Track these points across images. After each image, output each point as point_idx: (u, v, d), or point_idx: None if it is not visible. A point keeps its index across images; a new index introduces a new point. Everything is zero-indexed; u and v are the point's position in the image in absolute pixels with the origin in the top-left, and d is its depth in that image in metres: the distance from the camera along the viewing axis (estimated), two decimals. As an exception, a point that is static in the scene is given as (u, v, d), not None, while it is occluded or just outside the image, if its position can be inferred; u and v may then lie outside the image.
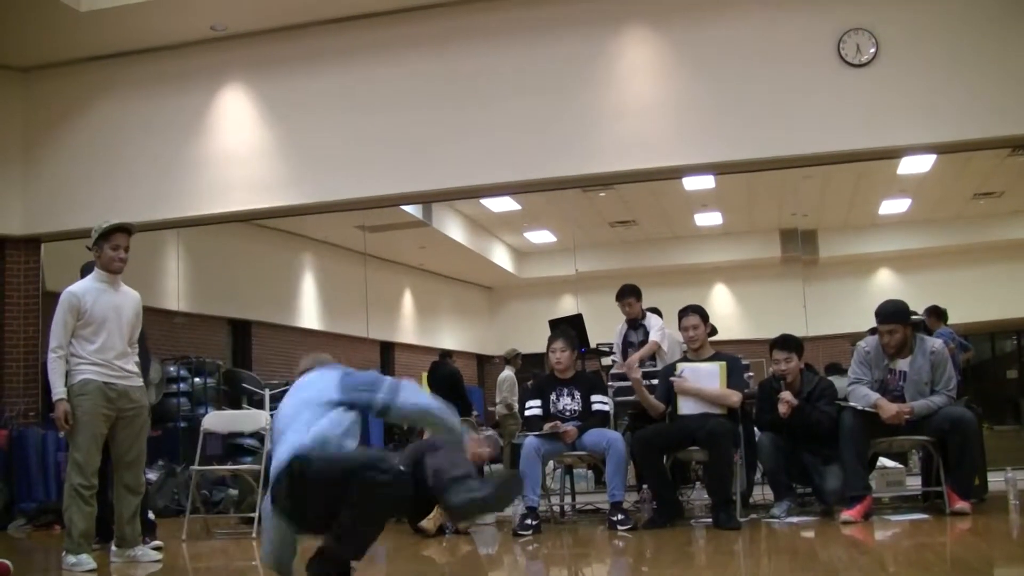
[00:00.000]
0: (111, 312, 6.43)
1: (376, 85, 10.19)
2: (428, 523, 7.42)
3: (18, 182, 11.00)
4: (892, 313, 7.13)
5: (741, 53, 9.35)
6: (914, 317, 7.53)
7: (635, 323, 9.13)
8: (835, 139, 9.09)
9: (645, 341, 8.96)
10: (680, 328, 7.84)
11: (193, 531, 8.04)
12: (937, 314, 10.41)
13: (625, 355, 9.07)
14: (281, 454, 4.40)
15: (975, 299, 12.32)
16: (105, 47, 10.68)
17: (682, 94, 9.54)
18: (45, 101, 11.09)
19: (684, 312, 7.83)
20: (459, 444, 4.62)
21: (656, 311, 9.40)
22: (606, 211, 13.46)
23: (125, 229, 6.59)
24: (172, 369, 11.67)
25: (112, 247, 6.49)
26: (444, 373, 12.54)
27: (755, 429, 7.79)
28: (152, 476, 9.40)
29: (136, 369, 6.59)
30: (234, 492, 9.73)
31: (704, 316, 7.80)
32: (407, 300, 16.25)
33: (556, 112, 9.69)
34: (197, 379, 12.06)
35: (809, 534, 6.70)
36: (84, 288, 6.43)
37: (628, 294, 9.09)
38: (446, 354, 13.14)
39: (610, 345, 9.66)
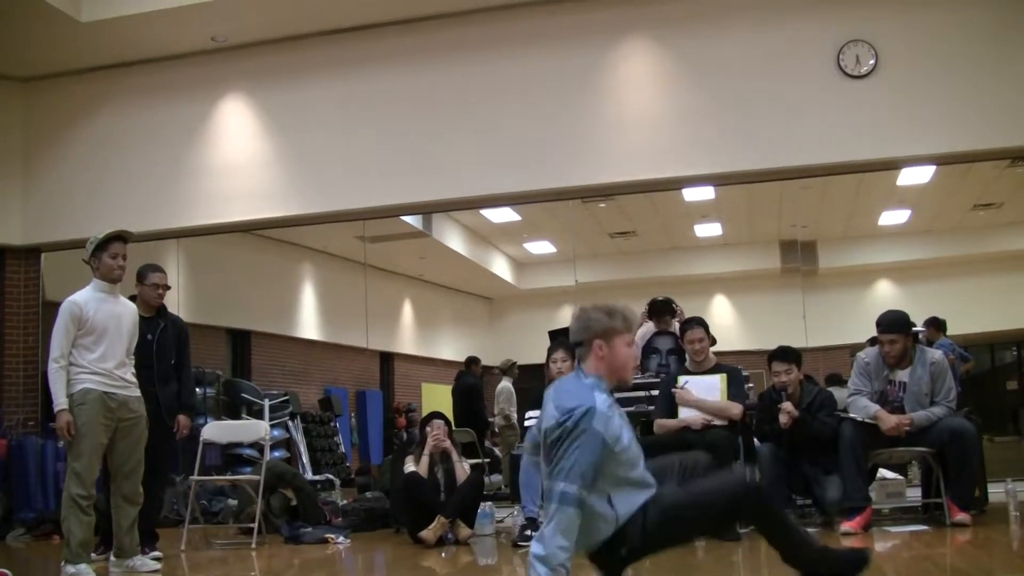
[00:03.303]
0: (111, 322, 6.43)
1: (376, 96, 10.21)
2: (428, 533, 7.42)
3: (18, 192, 11.02)
4: (893, 323, 7.14)
5: (741, 64, 9.37)
6: (915, 329, 7.53)
7: (661, 330, 9.19)
8: (835, 150, 9.11)
9: (673, 349, 8.96)
10: (685, 341, 7.86)
11: (192, 541, 8.03)
12: (936, 325, 10.41)
13: (647, 361, 9.09)
14: None
15: (975, 310, 12.31)
16: (105, 57, 10.70)
17: (682, 105, 9.55)
18: (46, 111, 11.10)
19: (688, 325, 7.85)
20: None
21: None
22: (606, 222, 13.46)
23: (122, 237, 6.60)
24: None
25: (111, 255, 6.50)
26: (461, 386, 12.53)
27: (755, 440, 7.79)
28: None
29: (134, 379, 6.59)
30: (233, 502, 9.73)
31: (707, 328, 7.84)
32: (407, 310, 16.25)
33: (556, 123, 9.70)
34: (197, 389, 12.05)
35: (809, 545, 6.68)
36: (85, 297, 6.43)
37: (662, 312, 9.21)
38: (470, 362, 13.11)
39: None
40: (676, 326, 9.13)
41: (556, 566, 3.88)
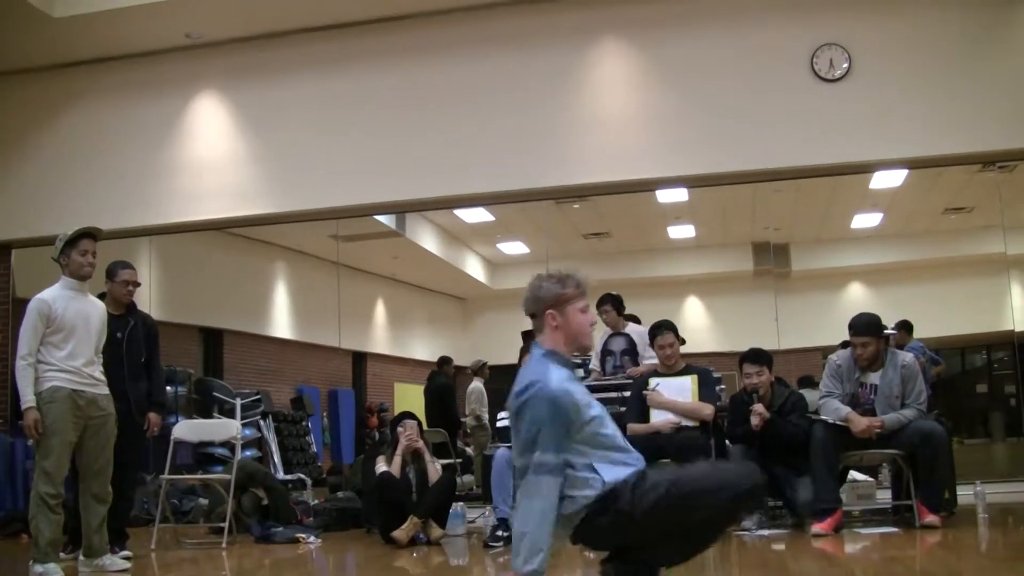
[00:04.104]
0: (80, 320, 6.40)
1: (350, 95, 10.19)
2: (400, 533, 7.41)
3: (-11, 188, 10.93)
4: (866, 325, 7.18)
5: (715, 67, 9.40)
6: (887, 331, 7.57)
7: (616, 331, 9.18)
8: (808, 153, 9.15)
9: (627, 350, 8.98)
10: (655, 347, 7.89)
11: (162, 541, 7.99)
12: (907, 328, 10.46)
13: (604, 363, 9.11)
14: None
15: (946, 313, 12.38)
16: (79, 53, 10.62)
17: (656, 107, 9.57)
18: (17, 106, 11.02)
19: (658, 331, 7.86)
20: None
21: (635, 319, 9.41)
22: (580, 223, 13.46)
23: (91, 234, 6.57)
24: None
25: (80, 253, 6.47)
26: (434, 386, 12.50)
27: (727, 442, 7.81)
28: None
29: (103, 377, 6.55)
30: (204, 502, 9.68)
31: (676, 331, 7.87)
32: (379, 310, 16.20)
33: (531, 124, 9.71)
34: (168, 388, 11.99)
35: (780, 547, 6.72)
36: (54, 295, 6.39)
37: (604, 301, 9.13)
38: (443, 362, 13.09)
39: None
40: (630, 327, 9.17)
41: (538, 545, 3.80)
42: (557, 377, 3.99)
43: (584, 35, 9.75)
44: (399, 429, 8.02)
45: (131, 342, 7.33)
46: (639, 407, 7.63)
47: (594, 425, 3.98)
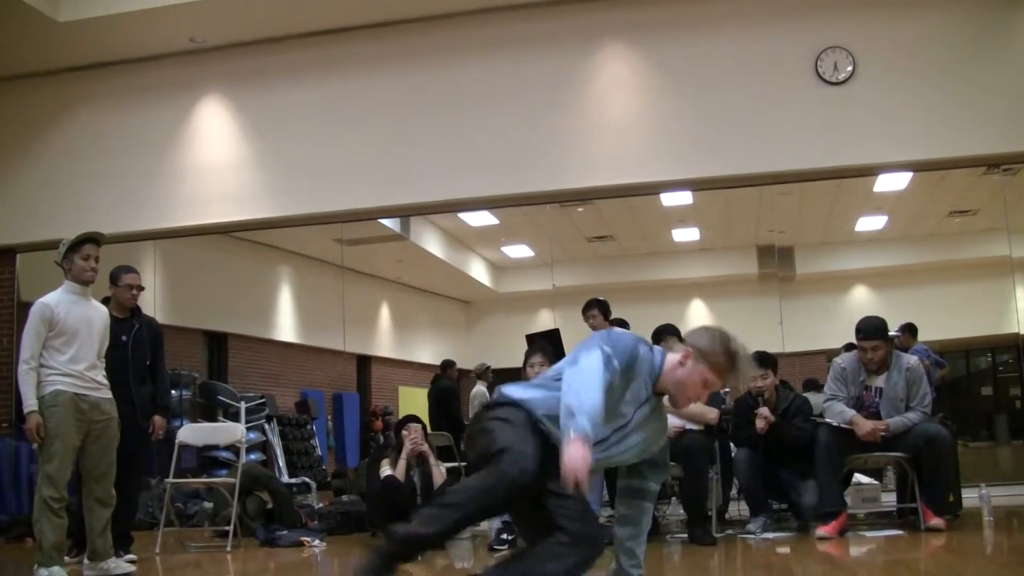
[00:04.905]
0: (83, 324, 6.40)
1: (355, 98, 10.19)
2: (404, 537, 7.39)
3: (-7, 191, 10.94)
4: (876, 329, 7.16)
5: (719, 70, 9.39)
6: (891, 334, 7.56)
7: None
8: (812, 156, 9.14)
9: None
10: None
11: (167, 544, 7.99)
12: (911, 331, 10.45)
13: None
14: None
15: (950, 316, 12.37)
16: (83, 58, 10.63)
17: (660, 110, 9.57)
18: (21, 110, 11.02)
19: (661, 337, 7.84)
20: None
21: (623, 323, 9.39)
22: (584, 226, 13.46)
23: (94, 239, 6.57)
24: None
25: (83, 257, 6.47)
26: (437, 389, 12.50)
27: (731, 445, 7.80)
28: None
29: (106, 381, 6.55)
30: (209, 505, 9.69)
31: (680, 336, 7.84)
32: (384, 313, 16.21)
33: (534, 127, 9.70)
34: (172, 391, 11.98)
35: (785, 550, 6.71)
36: (56, 299, 6.39)
37: (591, 307, 9.13)
38: (446, 365, 13.08)
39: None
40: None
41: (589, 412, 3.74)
42: (645, 344, 4.17)
43: (588, 39, 9.75)
44: (403, 432, 8.01)
45: (136, 346, 7.33)
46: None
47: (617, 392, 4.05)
